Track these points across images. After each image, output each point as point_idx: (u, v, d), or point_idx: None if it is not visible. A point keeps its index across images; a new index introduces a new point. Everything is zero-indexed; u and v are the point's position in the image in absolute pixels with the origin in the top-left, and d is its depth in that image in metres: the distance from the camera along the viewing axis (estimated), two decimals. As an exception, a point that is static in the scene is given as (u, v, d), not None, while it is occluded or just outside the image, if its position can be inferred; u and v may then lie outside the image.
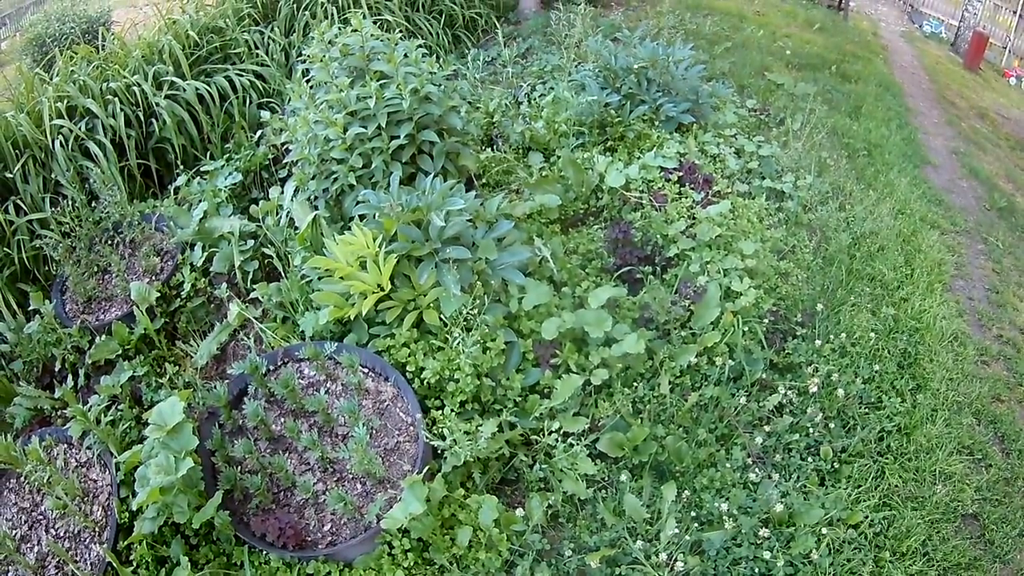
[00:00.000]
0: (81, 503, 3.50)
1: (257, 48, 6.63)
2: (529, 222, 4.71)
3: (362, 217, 4.04)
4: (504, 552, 3.28)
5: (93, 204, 4.95)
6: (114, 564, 3.16)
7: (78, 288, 4.65)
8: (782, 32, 9.80)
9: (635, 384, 3.89)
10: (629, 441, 3.61)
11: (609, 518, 3.42)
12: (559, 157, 5.30)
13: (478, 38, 8.18)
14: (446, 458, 3.37)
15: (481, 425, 3.44)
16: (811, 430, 3.81)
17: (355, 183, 4.26)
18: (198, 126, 5.83)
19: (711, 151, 5.67)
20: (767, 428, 3.79)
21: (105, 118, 5.35)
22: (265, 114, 5.55)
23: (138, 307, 4.32)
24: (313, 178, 4.45)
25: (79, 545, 3.39)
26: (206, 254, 4.69)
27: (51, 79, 5.69)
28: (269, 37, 6.73)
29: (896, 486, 3.70)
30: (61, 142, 5.13)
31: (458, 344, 3.65)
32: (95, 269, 4.84)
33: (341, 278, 3.78)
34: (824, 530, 3.35)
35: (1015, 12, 16.18)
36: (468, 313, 3.74)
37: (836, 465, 3.72)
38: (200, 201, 5.02)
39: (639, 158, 5.34)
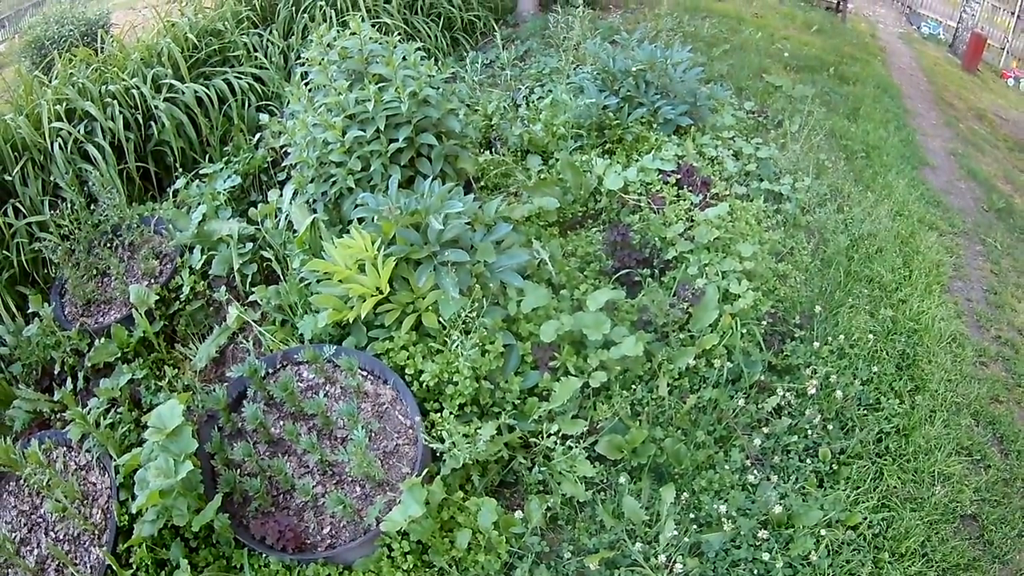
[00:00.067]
0: (80, 506, 3.50)
1: (256, 51, 6.64)
2: (527, 225, 4.72)
3: (361, 220, 4.04)
4: (503, 554, 3.28)
5: (92, 207, 4.95)
6: (114, 567, 3.16)
7: (77, 291, 4.66)
8: (780, 34, 9.82)
9: (634, 386, 3.90)
10: (628, 443, 3.62)
11: (608, 520, 3.42)
12: (557, 160, 5.30)
13: (476, 41, 8.19)
14: (445, 461, 3.37)
15: (480, 428, 3.44)
16: (810, 432, 3.82)
17: (354, 186, 4.27)
18: (197, 129, 5.83)
19: (709, 153, 5.68)
20: (766, 430, 3.80)
21: (104, 121, 5.35)
22: (264, 117, 5.57)
23: (137, 310, 4.32)
24: (312, 181, 4.46)
25: (79, 548, 3.39)
26: (205, 257, 4.69)
27: (50, 82, 5.69)
28: (268, 40, 6.74)
29: (895, 487, 3.71)
30: (60, 145, 5.13)
31: (457, 347, 3.66)
32: (94, 272, 4.85)
33: (340, 281, 3.78)
34: (823, 531, 3.35)
35: (1013, 13, 16.20)
36: (467, 316, 3.74)
37: (835, 466, 3.73)
38: (199, 204, 5.02)
39: (637, 160, 5.35)
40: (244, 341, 4.28)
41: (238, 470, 3.45)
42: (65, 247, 4.74)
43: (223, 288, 4.45)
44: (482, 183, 5.24)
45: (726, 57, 8.11)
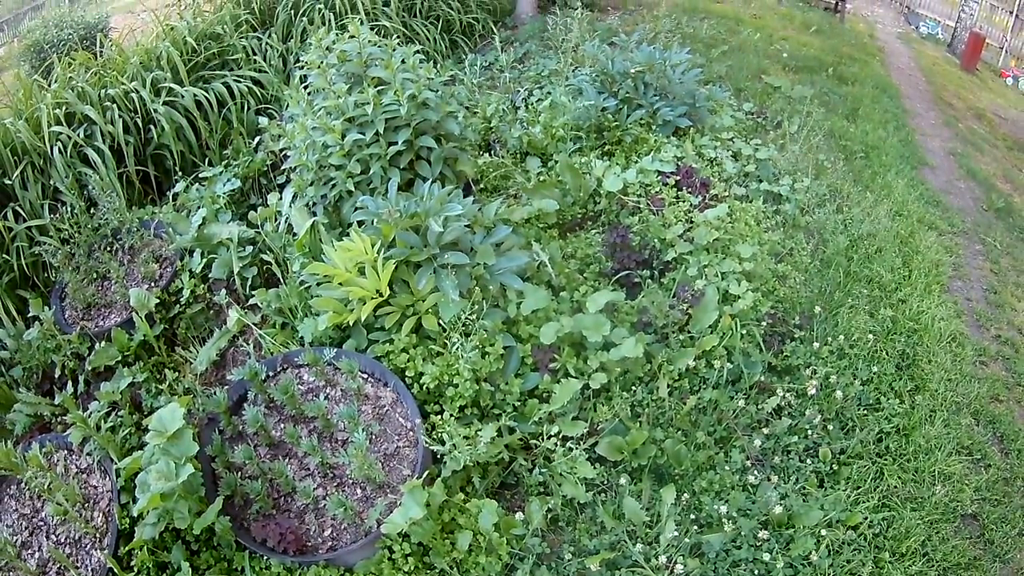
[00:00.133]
0: (82, 509, 3.50)
1: (255, 54, 6.65)
2: (527, 227, 4.72)
3: (360, 223, 4.05)
4: (504, 556, 3.28)
5: (92, 211, 4.96)
6: (115, 570, 3.17)
7: (77, 295, 4.66)
8: (779, 35, 9.83)
9: (634, 388, 3.90)
10: (628, 445, 3.62)
11: (609, 521, 3.43)
12: (557, 162, 5.30)
13: (475, 43, 8.21)
14: (446, 463, 3.38)
15: (480, 430, 3.44)
16: (810, 432, 3.82)
17: (353, 189, 4.27)
18: (196, 132, 5.85)
19: (708, 155, 5.68)
20: (766, 430, 3.80)
21: (104, 125, 5.37)
22: (263, 120, 5.57)
23: (137, 313, 4.32)
24: (311, 184, 4.46)
25: (80, 551, 3.39)
26: (205, 260, 4.70)
27: (49, 86, 5.71)
28: (267, 43, 6.75)
29: (895, 487, 3.71)
30: (60, 149, 5.14)
31: (457, 349, 3.66)
32: (94, 276, 4.85)
33: (340, 284, 3.79)
34: (823, 531, 3.36)
35: (1012, 12, 16.21)
36: (467, 318, 3.75)
37: (835, 467, 3.73)
38: (199, 207, 5.03)
39: (636, 162, 5.35)
40: (244, 344, 4.29)
41: (239, 473, 3.45)
42: (65, 251, 4.75)
43: (223, 291, 4.46)
44: (481, 185, 5.25)
45: (725, 58, 8.12)
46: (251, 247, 4.71)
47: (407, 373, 3.76)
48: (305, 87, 4.64)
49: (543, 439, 3.60)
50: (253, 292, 4.39)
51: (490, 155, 5.54)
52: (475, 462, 3.44)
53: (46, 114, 5.21)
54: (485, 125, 5.83)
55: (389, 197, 3.97)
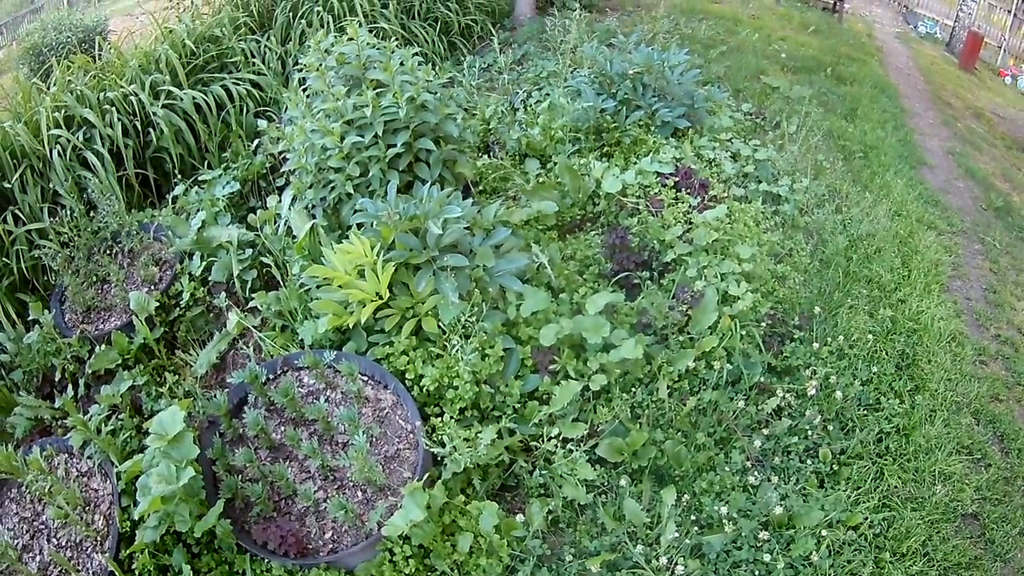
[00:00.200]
0: (82, 512, 3.51)
1: (253, 57, 6.65)
2: (526, 229, 4.72)
3: (360, 226, 4.05)
4: (505, 558, 3.29)
5: (91, 214, 4.97)
6: (116, 573, 3.17)
7: (77, 298, 4.66)
8: (777, 35, 9.84)
9: (633, 389, 3.90)
10: (628, 446, 3.62)
11: (609, 523, 3.43)
12: (556, 163, 5.30)
13: (474, 45, 8.20)
14: (446, 465, 3.38)
15: (480, 432, 3.45)
16: (810, 432, 3.83)
17: (352, 192, 4.27)
18: (195, 135, 5.85)
19: (707, 156, 5.68)
20: (766, 431, 3.80)
21: (103, 128, 5.37)
22: (262, 123, 5.57)
23: (137, 317, 4.33)
24: (311, 187, 4.46)
25: (81, 554, 3.39)
26: (205, 263, 4.70)
27: (48, 89, 5.70)
28: (265, 46, 6.75)
29: (895, 487, 3.71)
30: (59, 152, 5.14)
31: (457, 351, 3.66)
32: (94, 279, 4.86)
33: (340, 287, 3.79)
34: (824, 532, 3.36)
35: (1010, 11, 16.23)
36: (466, 320, 3.75)
37: (835, 467, 3.74)
38: (198, 210, 5.03)
39: (635, 163, 5.36)
40: (244, 347, 4.29)
41: (240, 476, 3.45)
42: (65, 254, 4.75)
43: (223, 294, 4.46)
44: (480, 187, 5.25)
45: (723, 59, 8.12)
46: (251, 250, 4.72)
47: (407, 375, 3.76)
48: (304, 90, 4.64)
49: (543, 441, 3.61)
50: (253, 295, 4.39)
51: (489, 157, 5.54)
52: (475, 464, 3.45)
53: (45, 117, 5.21)
54: (484, 127, 5.84)
55: (388, 199, 3.97)
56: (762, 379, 4.06)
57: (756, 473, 3.65)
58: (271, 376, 3.90)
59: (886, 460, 3.83)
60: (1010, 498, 3.78)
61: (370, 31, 5.98)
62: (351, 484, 3.44)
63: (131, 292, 4.50)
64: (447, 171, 4.57)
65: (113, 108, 5.51)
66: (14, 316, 4.63)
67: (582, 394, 3.83)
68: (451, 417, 3.58)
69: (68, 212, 4.87)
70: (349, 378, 3.72)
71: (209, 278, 4.68)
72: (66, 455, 3.78)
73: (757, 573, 3.26)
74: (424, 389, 3.71)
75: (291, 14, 7.03)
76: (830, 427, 3.86)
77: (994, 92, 12.83)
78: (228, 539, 3.20)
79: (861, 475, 3.71)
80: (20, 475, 3.45)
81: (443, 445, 3.40)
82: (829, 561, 3.29)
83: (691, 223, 4.81)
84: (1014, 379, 4.56)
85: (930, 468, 3.82)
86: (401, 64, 4.37)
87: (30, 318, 4.51)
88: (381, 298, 3.78)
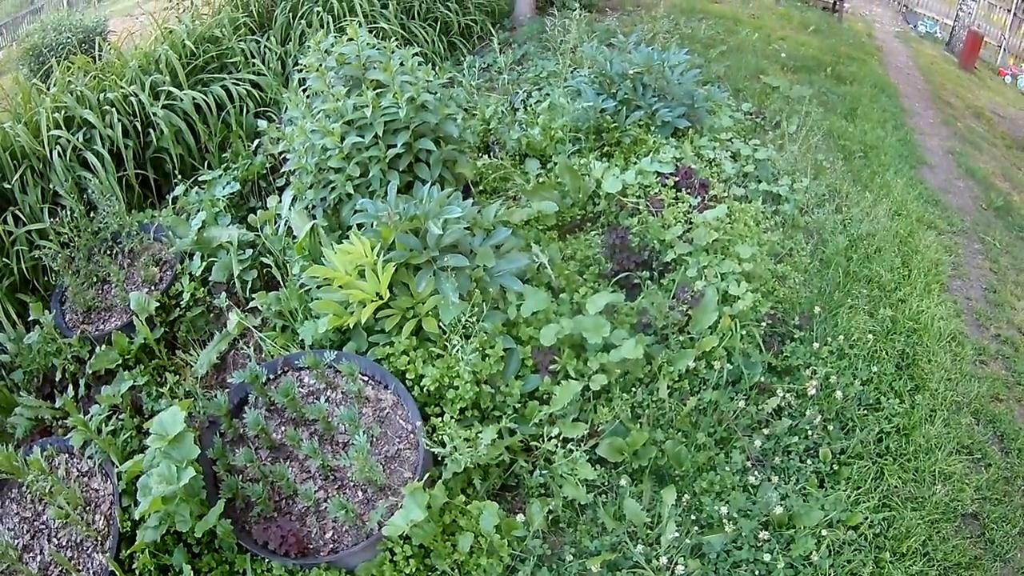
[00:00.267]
0: (83, 512, 3.51)
1: (253, 57, 6.65)
2: (526, 229, 4.73)
3: (360, 226, 4.05)
4: (505, 558, 3.29)
5: (92, 214, 4.97)
6: (117, 573, 3.18)
7: (77, 298, 4.67)
8: (777, 35, 9.84)
9: (634, 389, 3.90)
10: (628, 446, 3.62)
11: (609, 523, 3.43)
12: (556, 163, 5.31)
13: (474, 45, 8.20)
14: (446, 465, 3.38)
15: (481, 432, 3.45)
16: (810, 432, 3.83)
17: (353, 192, 4.28)
18: (195, 136, 5.85)
19: (707, 155, 5.68)
20: (766, 431, 3.81)
21: (103, 128, 5.37)
22: (262, 123, 5.57)
23: (138, 317, 4.33)
24: (311, 187, 4.47)
25: (81, 554, 3.40)
26: (205, 264, 4.70)
27: (48, 89, 5.70)
28: (265, 46, 6.75)
29: (895, 487, 3.71)
30: (59, 153, 5.14)
31: (457, 351, 3.67)
32: (94, 279, 4.86)
33: (340, 287, 3.79)
34: (824, 532, 3.36)
35: (1010, 11, 16.23)
36: (467, 320, 3.75)
37: (835, 467, 3.74)
38: (198, 211, 5.03)
39: (635, 163, 5.36)
40: (245, 347, 4.29)
41: (240, 476, 3.46)
42: (65, 255, 4.75)
43: (223, 294, 4.46)
44: (481, 187, 5.25)
45: (723, 58, 8.12)
46: (251, 250, 4.72)
47: (407, 375, 3.76)
48: (304, 90, 4.64)
49: (544, 441, 3.61)
50: (253, 295, 4.39)
51: (489, 157, 5.54)
52: (476, 464, 3.45)
53: (45, 118, 5.21)
54: (484, 127, 5.84)
55: (388, 200, 3.97)
56: (762, 379, 4.06)
57: (756, 473, 3.65)
58: (271, 376, 3.90)
59: (886, 460, 3.83)
60: (1010, 498, 3.79)
61: (370, 31, 5.98)
62: (352, 484, 3.44)
63: (131, 292, 4.50)
64: (447, 171, 4.57)
65: (113, 109, 5.51)
66: (14, 316, 4.64)
67: (582, 394, 3.84)
68: (451, 417, 3.58)
69: (68, 213, 4.87)
70: (349, 378, 3.72)
71: (209, 278, 4.69)
72: (67, 455, 3.79)
73: (757, 573, 3.26)
74: (424, 389, 3.71)
75: (291, 14, 7.03)
76: (830, 427, 3.86)
77: (994, 91, 12.83)
78: (229, 539, 3.20)
79: (861, 475, 3.71)
80: (21, 475, 3.45)
81: (443, 445, 3.40)
82: (829, 561, 3.30)
83: (691, 223, 4.81)
84: (1014, 379, 4.57)
85: (930, 468, 3.82)
86: (401, 64, 4.37)
87: (30, 318, 4.51)
88: (381, 298, 3.78)
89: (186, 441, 3.14)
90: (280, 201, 4.78)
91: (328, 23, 6.77)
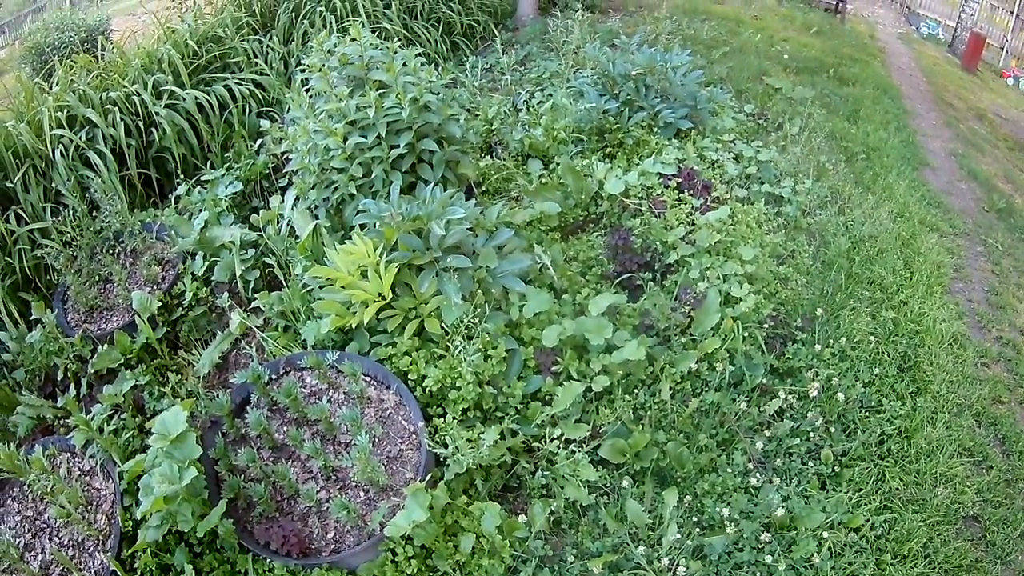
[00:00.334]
0: (85, 512, 3.51)
1: (256, 57, 6.65)
2: (529, 230, 4.73)
3: (363, 226, 4.05)
4: (507, 558, 3.29)
5: (94, 213, 4.96)
6: (118, 572, 3.18)
7: (80, 297, 4.67)
8: (779, 36, 9.84)
9: (636, 390, 3.90)
10: (630, 447, 3.62)
11: (611, 524, 3.43)
12: (558, 164, 5.31)
13: (476, 45, 8.20)
14: (448, 465, 3.38)
15: (483, 432, 3.45)
16: (812, 434, 3.83)
17: (355, 192, 4.28)
18: (198, 135, 5.86)
19: (710, 157, 5.69)
20: (768, 433, 3.80)
21: (105, 128, 5.37)
22: (265, 123, 5.57)
23: (140, 316, 4.33)
24: (313, 187, 4.47)
25: (83, 553, 3.40)
26: (207, 263, 4.71)
27: (51, 88, 5.71)
28: (268, 46, 6.75)
29: (897, 489, 3.71)
30: (61, 152, 5.15)
31: (459, 352, 3.67)
32: (96, 278, 4.86)
33: (342, 287, 3.79)
34: (825, 533, 3.37)
35: (1012, 12, 16.21)
36: (469, 321, 3.75)
37: (837, 469, 3.74)
38: (201, 210, 5.04)
39: (638, 164, 5.36)
40: (247, 347, 4.29)
41: (242, 476, 3.46)
42: (67, 254, 4.75)
43: (226, 294, 4.46)
44: (483, 188, 5.25)
45: (726, 60, 8.12)
46: (253, 250, 4.72)
47: (410, 376, 3.76)
48: (307, 90, 4.64)
49: (545, 442, 3.61)
50: (255, 295, 4.40)
51: (492, 158, 5.55)
52: (478, 465, 3.45)
53: (48, 117, 5.22)
54: (487, 127, 5.84)
55: (391, 200, 3.97)
56: (764, 381, 4.06)
57: (758, 475, 3.65)
58: (274, 376, 3.90)
59: (888, 462, 3.83)
60: (1011, 500, 3.78)
61: (373, 31, 5.98)
62: (353, 484, 3.44)
63: (134, 292, 4.50)
64: (450, 172, 4.57)
65: (116, 108, 5.52)
66: (17, 315, 4.64)
67: (584, 395, 3.83)
68: (453, 418, 3.58)
69: (71, 212, 4.87)
70: (352, 378, 3.72)
71: (212, 278, 4.68)
72: (68, 454, 3.79)
73: (759, 574, 3.26)
74: (427, 390, 3.71)
75: (294, 14, 7.03)
76: (832, 429, 3.86)
77: (996, 93, 12.81)
78: (230, 539, 3.20)
79: (863, 477, 3.71)
80: (22, 474, 3.46)
81: (445, 446, 3.40)
82: (830, 563, 3.30)
83: (694, 224, 4.81)
84: (1016, 381, 4.56)
85: (931, 470, 3.82)
86: (404, 65, 4.37)
87: (32, 317, 4.51)
88: (384, 299, 3.78)
89: (188, 441, 3.15)
90: (283, 201, 4.78)
91: (331, 23, 6.77)
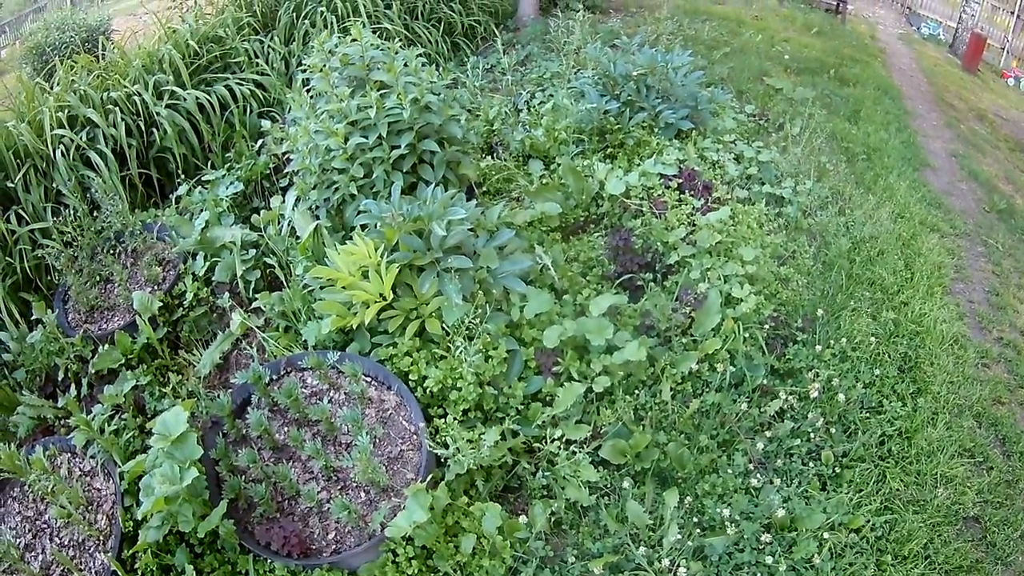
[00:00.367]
0: (85, 512, 3.51)
1: (257, 57, 6.65)
2: (530, 230, 4.73)
3: (364, 227, 4.06)
4: (508, 559, 3.29)
5: (95, 214, 4.96)
6: (119, 573, 3.17)
7: (80, 298, 4.67)
8: (780, 37, 9.84)
9: (637, 391, 3.91)
10: (631, 448, 3.62)
11: (612, 525, 3.43)
12: (559, 165, 5.31)
13: (477, 45, 8.21)
14: (449, 466, 3.38)
15: (484, 433, 3.45)
16: (812, 435, 3.83)
17: (356, 193, 4.28)
18: (199, 135, 5.86)
19: (710, 157, 5.69)
20: (768, 434, 3.80)
21: (106, 128, 5.37)
22: (266, 123, 5.58)
23: (141, 316, 4.33)
24: (314, 188, 4.47)
25: (83, 554, 3.40)
26: (208, 264, 4.70)
27: (52, 88, 5.71)
28: (269, 46, 6.75)
29: (897, 490, 3.71)
30: (62, 152, 5.15)
31: (460, 353, 3.67)
32: (97, 279, 4.86)
33: (343, 288, 3.79)
34: (826, 534, 3.36)
35: (1013, 13, 16.19)
36: (470, 322, 3.75)
37: (837, 469, 3.74)
38: (201, 210, 5.04)
39: (639, 165, 5.36)
40: (248, 347, 4.30)
41: (243, 476, 3.45)
42: (68, 254, 4.75)
43: (226, 294, 4.46)
44: (484, 188, 5.25)
45: (726, 60, 8.13)
46: (254, 250, 4.72)
47: (411, 376, 3.76)
48: (308, 90, 4.64)
49: (546, 442, 3.61)
50: (256, 295, 4.40)
51: (492, 158, 5.54)
52: (479, 465, 3.44)
53: (48, 117, 5.22)
54: (487, 128, 5.84)
55: (392, 201, 3.97)
56: (765, 381, 4.06)
57: (758, 475, 3.65)
58: (274, 377, 3.90)
59: (888, 463, 3.83)
60: (1012, 501, 3.79)
61: (374, 32, 5.98)
62: (354, 485, 3.44)
63: (134, 292, 4.50)
64: (451, 172, 4.57)
65: (116, 108, 5.52)
66: (17, 315, 4.64)
67: (585, 396, 3.83)
68: (454, 418, 3.58)
69: (71, 212, 4.87)
70: (352, 379, 3.72)
71: (212, 278, 4.68)
72: (69, 454, 3.79)
73: (759, 575, 3.26)
74: (427, 390, 3.71)
75: (295, 14, 7.04)
76: (832, 430, 3.86)
77: (997, 94, 12.81)
78: (231, 539, 3.20)
79: (863, 478, 3.71)
80: (23, 474, 3.46)
81: (446, 446, 3.40)
82: (831, 564, 3.30)
83: (694, 225, 4.81)
84: (1016, 382, 4.56)
85: (932, 471, 3.82)
86: (405, 65, 4.37)
87: (33, 317, 4.51)
88: (385, 299, 3.78)
89: (189, 441, 3.14)
90: (284, 201, 4.77)
91: (332, 23, 6.78)
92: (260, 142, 5.71)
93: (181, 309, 4.63)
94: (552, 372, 3.97)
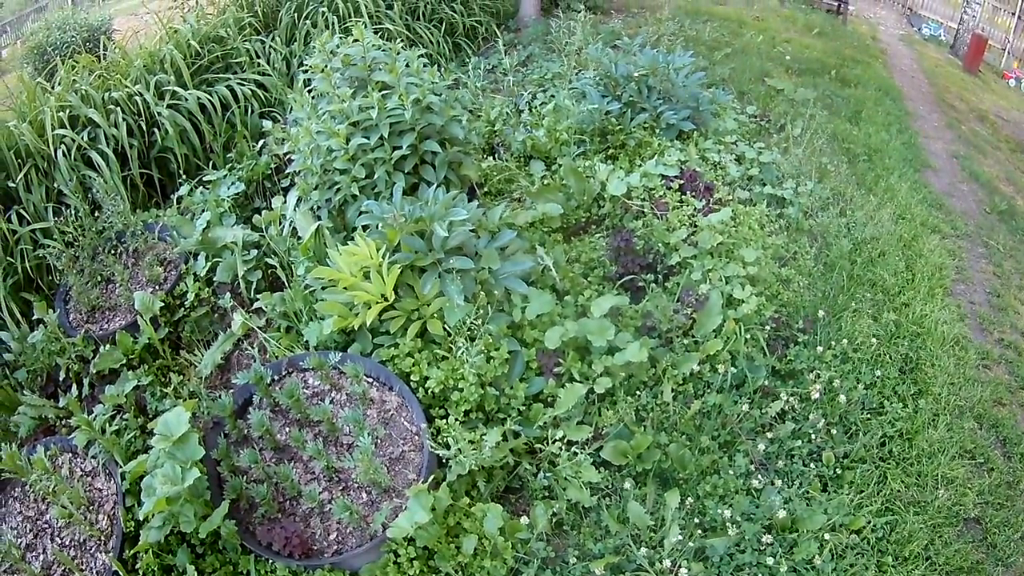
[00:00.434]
0: (86, 512, 3.51)
1: (258, 57, 6.65)
2: (531, 231, 4.73)
3: (365, 227, 4.06)
4: (509, 560, 3.29)
5: (96, 214, 4.96)
6: (120, 573, 3.17)
7: (82, 298, 4.67)
8: (781, 37, 9.84)
9: (638, 392, 3.91)
10: (633, 449, 3.62)
11: (613, 525, 3.43)
12: (561, 165, 5.31)
13: (478, 46, 8.21)
14: (451, 467, 3.38)
15: (485, 434, 3.45)
16: (813, 436, 3.83)
17: (358, 193, 4.28)
18: (200, 135, 5.85)
19: (712, 158, 5.69)
20: (769, 435, 3.81)
21: (107, 127, 5.37)
22: (267, 123, 5.58)
23: (142, 317, 4.33)
24: (316, 188, 4.47)
25: (85, 554, 3.40)
26: (209, 264, 4.70)
27: (53, 88, 5.70)
28: (270, 46, 6.75)
29: (898, 491, 3.72)
30: (63, 152, 5.15)
31: (462, 354, 3.67)
32: (98, 279, 4.86)
33: (345, 288, 3.79)
34: (827, 535, 3.37)
35: (1014, 14, 16.19)
36: (472, 323, 3.75)
37: (838, 471, 3.74)
38: (203, 211, 5.04)
39: (640, 166, 5.36)
40: (249, 348, 4.30)
41: (244, 477, 3.46)
42: (69, 254, 4.74)
43: (228, 295, 4.46)
44: (486, 189, 5.25)
45: (728, 61, 8.13)
46: (256, 251, 4.72)
47: (412, 377, 3.76)
48: (309, 91, 4.64)
49: (548, 443, 3.61)
50: (258, 296, 4.40)
51: (494, 159, 5.55)
52: (480, 466, 3.45)
53: (50, 117, 5.22)
54: (489, 129, 5.84)
55: (394, 201, 3.98)
56: (766, 382, 4.06)
57: (760, 476, 3.65)
58: (276, 377, 3.90)
59: (889, 464, 3.83)
60: (1012, 502, 3.79)
61: (375, 32, 5.98)
62: (356, 485, 3.44)
63: (136, 292, 4.50)
64: (452, 173, 4.57)
65: (118, 108, 5.52)
66: (18, 315, 4.64)
67: (587, 397, 3.83)
68: (456, 419, 3.58)
69: (73, 212, 4.87)
70: (354, 380, 3.72)
71: (214, 278, 4.68)
72: (70, 455, 3.79)
73: (760, 576, 3.27)
74: (429, 391, 3.71)
75: (296, 15, 7.03)
76: (833, 431, 3.87)
77: (998, 95, 12.81)
78: (232, 540, 3.20)
79: (864, 479, 3.71)
80: (24, 474, 3.46)
81: (448, 447, 3.40)
82: (832, 565, 3.30)
83: (696, 226, 4.81)
84: (1017, 383, 4.57)
85: (933, 472, 3.82)
86: (406, 66, 4.37)
87: (34, 317, 4.50)
88: (386, 300, 3.78)
89: (190, 442, 3.14)
90: (285, 202, 4.78)
91: (333, 24, 6.77)
92: (261, 142, 5.72)
93: (182, 309, 4.63)
94: (553, 373, 3.97)
